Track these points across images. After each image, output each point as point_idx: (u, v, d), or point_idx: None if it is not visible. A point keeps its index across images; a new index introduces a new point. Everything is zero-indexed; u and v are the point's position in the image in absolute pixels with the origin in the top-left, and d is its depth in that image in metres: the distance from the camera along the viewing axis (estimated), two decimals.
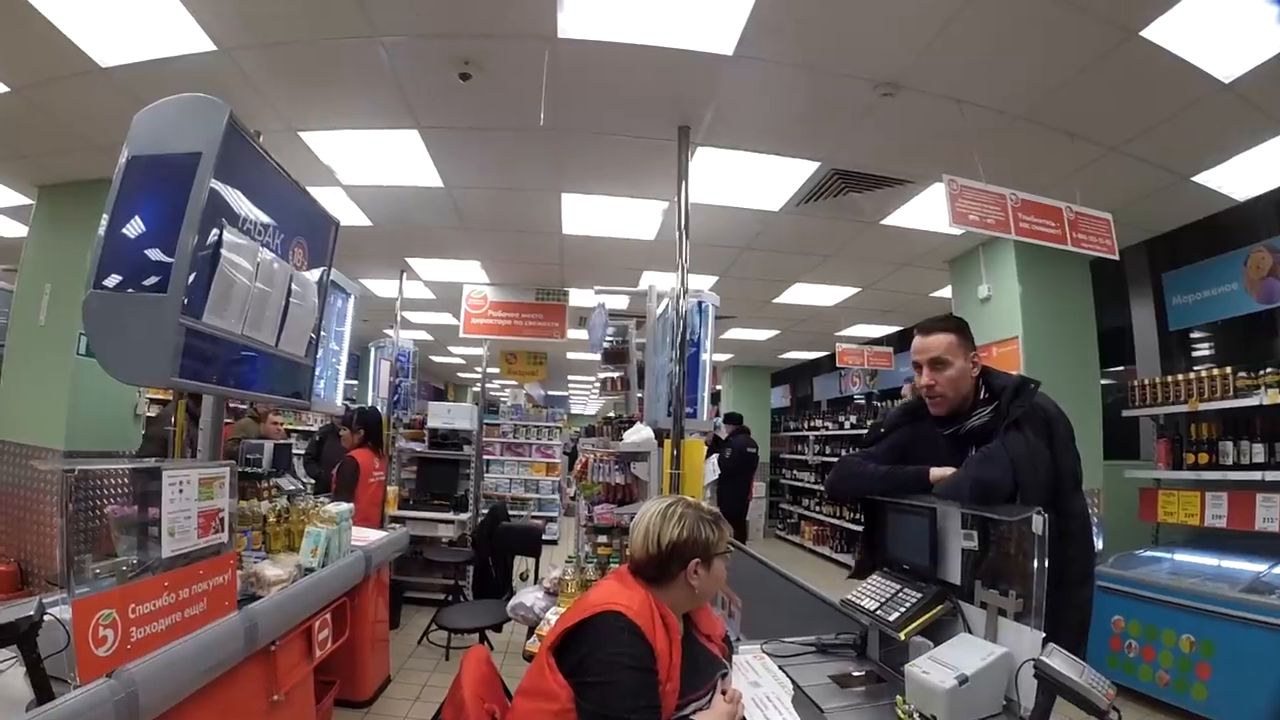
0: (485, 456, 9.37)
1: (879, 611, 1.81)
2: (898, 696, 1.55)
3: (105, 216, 1.97)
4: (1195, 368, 3.92)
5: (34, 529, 3.94)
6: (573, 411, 22.93)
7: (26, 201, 4.57)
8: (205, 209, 2.04)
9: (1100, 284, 4.61)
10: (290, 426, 8.63)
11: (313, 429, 8.00)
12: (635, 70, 2.89)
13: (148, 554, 1.84)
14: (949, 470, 1.79)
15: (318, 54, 2.90)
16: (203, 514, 1.99)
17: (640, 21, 2.63)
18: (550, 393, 16.18)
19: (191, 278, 2.02)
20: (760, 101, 3.12)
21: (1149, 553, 4.14)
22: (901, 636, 1.69)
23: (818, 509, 9.09)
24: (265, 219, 2.44)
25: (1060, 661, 1.30)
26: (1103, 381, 4.80)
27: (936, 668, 1.50)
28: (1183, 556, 3.99)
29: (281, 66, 3.00)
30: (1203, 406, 3.78)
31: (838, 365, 7.50)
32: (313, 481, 5.40)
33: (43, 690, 1.48)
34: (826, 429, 9.32)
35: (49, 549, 3.86)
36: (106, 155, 2.06)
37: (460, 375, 16.51)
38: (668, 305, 3.04)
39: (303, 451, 6.66)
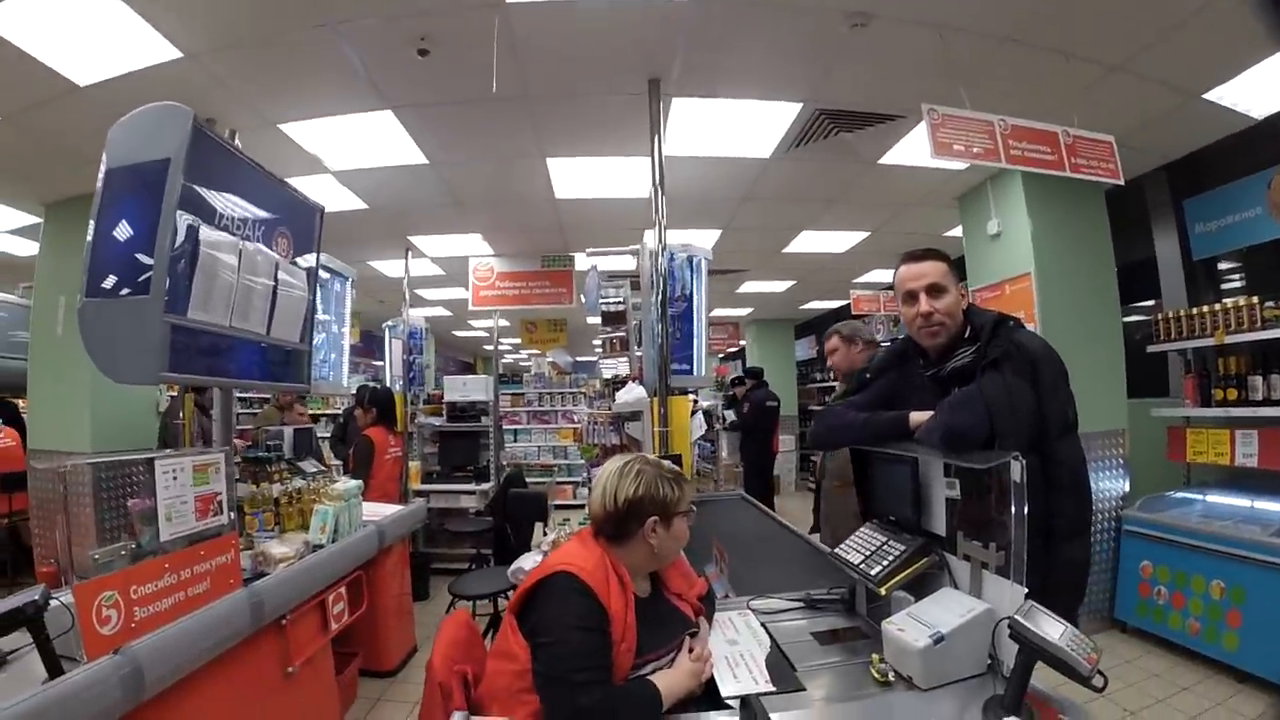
0: (512, 426, 9.54)
1: (863, 565, 1.76)
2: (873, 655, 1.51)
3: (90, 225, 2.09)
4: (1224, 299, 3.72)
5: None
6: (605, 376, 23.01)
7: (36, 220, 4.73)
8: (179, 210, 2.14)
9: (1121, 215, 4.37)
10: (316, 411, 8.90)
11: (339, 412, 8.22)
12: (593, 26, 2.81)
13: (148, 539, 1.93)
14: (928, 414, 1.69)
15: (278, 49, 2.93)
16: (199, 498, 2.08)
17: None
18: (579, 358, 16.28)
19: (170, 277, 2.10)
20: (727, 44, 2.99)
21: (1179, 494, 3.99)
22: (882, 591, 1.64)
23: None
24: (244, 213, 2.51)
25: (1039, 621, 1.21)
26: (1131, 318, 4.58)
27: (913, 625, 1.45)
28: (1215, 498, 3.83)
29: (247, 65, 3.04)
30: (1230, 339, 3.58)
31: (853, 313, 7.34)
32: (340, 463, 5.59)
33: (53, 668, 1.59)
34: None
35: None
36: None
37: (486, 348, 16.70)
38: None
39: (328, 435, 6.88)
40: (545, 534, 2.91)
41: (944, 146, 2.69)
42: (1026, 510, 1.40)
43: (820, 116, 3.68)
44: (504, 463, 6.54)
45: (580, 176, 4.52)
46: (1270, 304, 3.45)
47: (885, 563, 1.71)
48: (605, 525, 1.50)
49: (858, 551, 1.85)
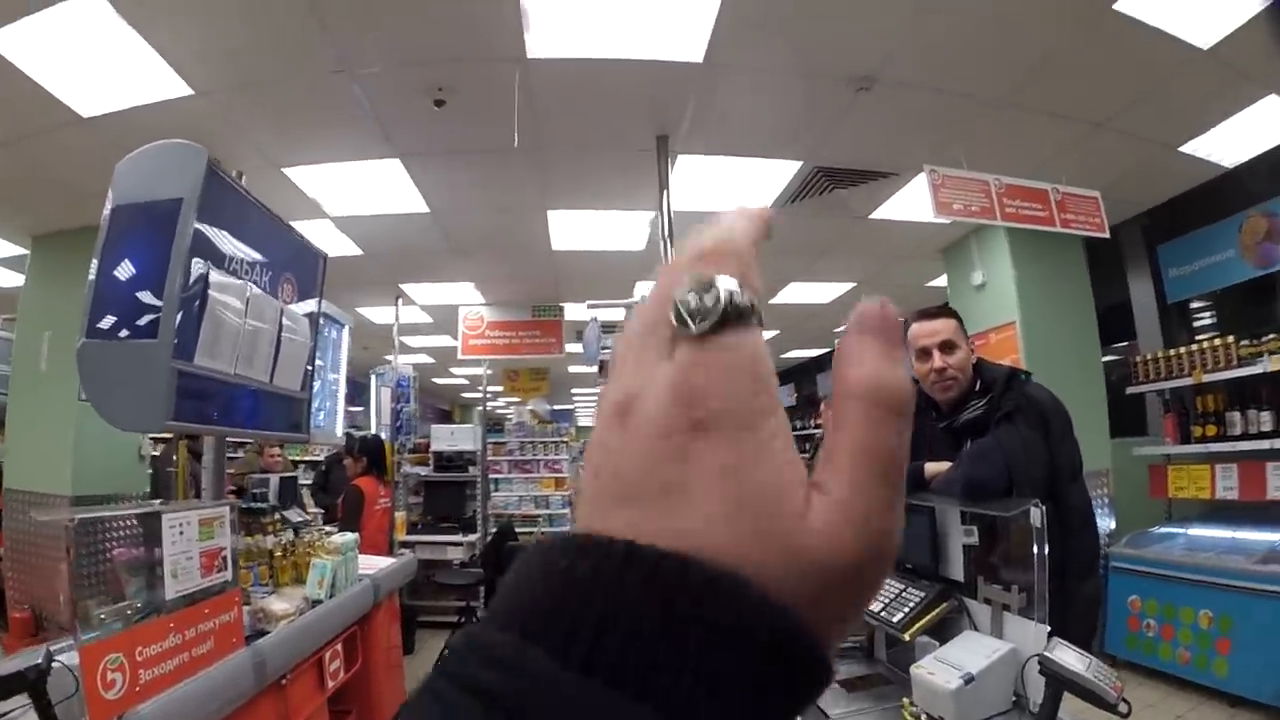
0: (493, 475, 9.35)
1: (883, 613, 1.79)
2: (904, 699, 1.53)
3: (94, 264, 2.01)
4: (1198, 339, 3.89)
5: (44, 576, 3.94)
6: (580, 425, 22.86)
7: (22, 252, 4.61)
8: (190, 252, 2.09)
9: (1097, 260, 4.59)
10: (297, 458, 8.65)
11: (319, 460, 7.99)
12: (607, 84, 2.91)
13: (152, 596, 1.85)
14: (944, 465, 1.77)
15: (291, 91, 2.95)
16: (204, 554, 2.00)
17: (607, 37, 2.65)
18: (556, 407, 16.19)
19: (180, 321, 2.05)
20: (736, 106, 3.12)
21: (1163, 529, 4.09)
22: (906, 637, 1.67)
23: None
24: (252, 257, 2.48)
25: (1065, 655, 1.27)
26: (1107, 359, 4.76)
27: (942, 668, 1.48)
28: (1197, 531, 3.95)
29: (258, 106, 3.05)
30: (1207, 378, 3.74)
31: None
32: (322, 512, 5.42)
33: None
34: None
35: (59, 595, 3.87)
36: (97, 203, 2.06)
37: (465, 395, 16.52)
38: None
39: (309, 482, 6.68)
40: None
41: (944, 206, 2.83)
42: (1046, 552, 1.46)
43: (818, 173, 3.83)
44: (489, 512, 6.41)
45: (578, 228, 4.60)
46: (1244, 342, 3.61)
47: (906, 609, 1.75)
48: None
49: (876, 600, 1.88)
